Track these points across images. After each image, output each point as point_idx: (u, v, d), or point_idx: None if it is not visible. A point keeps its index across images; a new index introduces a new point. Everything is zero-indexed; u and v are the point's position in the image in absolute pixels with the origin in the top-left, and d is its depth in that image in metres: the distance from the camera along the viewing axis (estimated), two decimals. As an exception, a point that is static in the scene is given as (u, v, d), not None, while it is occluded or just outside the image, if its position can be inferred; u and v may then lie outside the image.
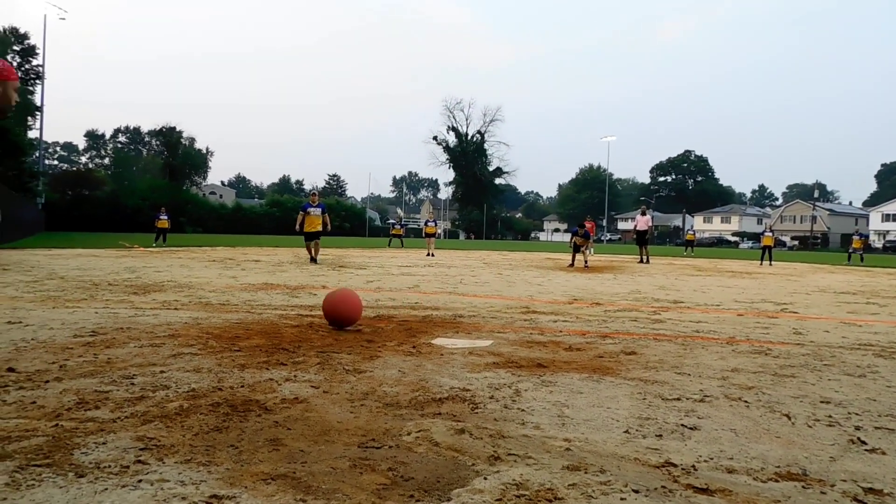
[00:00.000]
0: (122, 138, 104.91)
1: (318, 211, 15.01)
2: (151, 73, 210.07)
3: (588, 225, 23.09)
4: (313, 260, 14.63)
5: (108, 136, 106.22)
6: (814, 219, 77.74)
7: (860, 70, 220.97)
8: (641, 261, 19.87)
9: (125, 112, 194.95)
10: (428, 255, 21.26)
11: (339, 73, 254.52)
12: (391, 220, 25.14)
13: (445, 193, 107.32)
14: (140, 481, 1.98)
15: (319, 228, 14.95)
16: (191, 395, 2.98)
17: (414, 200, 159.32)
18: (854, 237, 29.31)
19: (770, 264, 21.86)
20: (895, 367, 4.15)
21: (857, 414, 3.01)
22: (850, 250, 27.81)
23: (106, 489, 1.92)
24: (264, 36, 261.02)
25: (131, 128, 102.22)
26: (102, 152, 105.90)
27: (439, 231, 25.18)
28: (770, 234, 24.02)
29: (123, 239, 28.68)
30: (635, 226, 20.82)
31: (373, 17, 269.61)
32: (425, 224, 24.53)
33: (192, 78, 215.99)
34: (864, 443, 2.58)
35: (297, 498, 1.89)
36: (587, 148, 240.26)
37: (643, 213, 20.35)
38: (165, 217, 24.03)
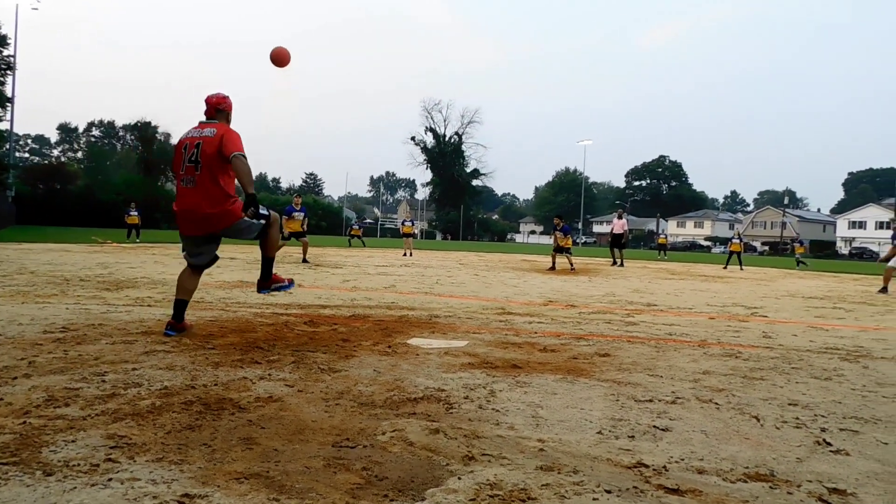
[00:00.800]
0: (95, 132, 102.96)
1: (301, 215, 15.13)
2: (127, 65, 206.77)
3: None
4: (305, 261, 14.67)
5: (81, 130, 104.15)
6: (783, 225, 79.14)
7: (829, 82, 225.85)
8: (615, 264, 20.04)
9: (99, 106, 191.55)
10: (405, 254, 21.22)
11: (316, 69, 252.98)
12: (353, 221, 25.14)
13: (423, 194, 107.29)
14: (110, 480, 1.95)
15: (300, 230, 15.06)
16: (163, 392, 2.95)
17: (391, 200, 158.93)
18: (796, 244, 30.28)
19: (741, 269, 22.29)
20: (860, 371, 4.25)
21: (823, 416, 3.08)
22: (797, 256, 28.55)
23: (75, 488, 1.89)
24: (242, 28, 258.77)
25: (105, 122, 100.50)
26: (76, 146, 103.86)
27: (416, 231, 25.10)
28: (738, 240, 24.48)
29: (97, 234, 28.18)
30: (612, 229, 21.03)
31: (352, 14, 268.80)
32: (402, 224, 24.45)
33: (168, 71, 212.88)
34: (829, 444, 2.64)
35: (271, 497, 1.89)
36: (564, 151, 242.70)
37: (619, 217, 20.57)
38: (135, 213, 23.55)
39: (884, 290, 12.66)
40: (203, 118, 4.54)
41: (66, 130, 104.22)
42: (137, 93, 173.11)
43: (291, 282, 5.04)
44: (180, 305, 4.50)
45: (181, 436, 2.38)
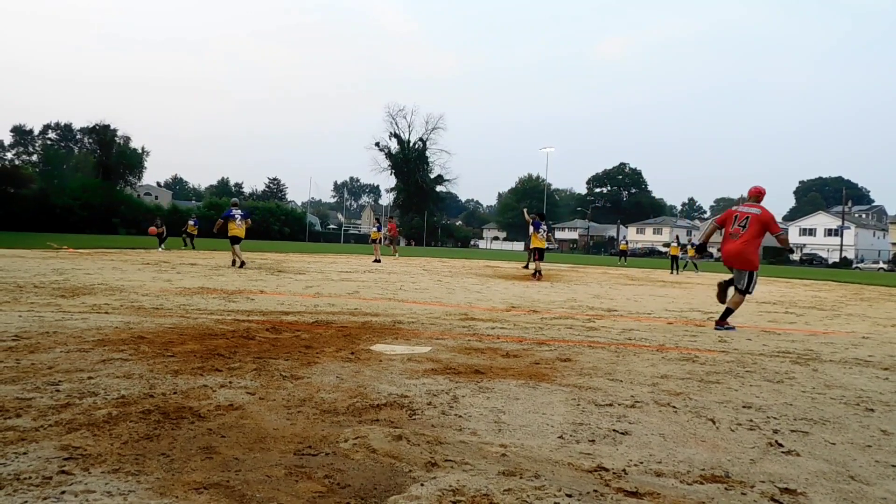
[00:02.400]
0: (52, 135, 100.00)
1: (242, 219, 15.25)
2: (83, 65, 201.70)
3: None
4: (240, 263, 14.22)
5: (36, 133, 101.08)
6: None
7: (782, 92, 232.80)
8: (526, 266, 20.42)
9: (55, 108, 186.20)
10: (374, 260, 21.07)
11: (278, 70, 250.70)
12: (192, 220, 24.60)
13: (387, 199, 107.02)
14: (63, 493, 1.91)
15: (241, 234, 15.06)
16: (120, 401, 2.88)
17: (355, 206, 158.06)
18: (689, 246, 31.31)
19: (676, 273, 23.70)
20: (809, 373, 4.39)
21: (775, 418, 3.18)
22: (688, 258, 29.80)
23: (25, 502, 1.84)
24: (201, 24, 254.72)
25: (62, 124, 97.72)
26: (30, 149, 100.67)
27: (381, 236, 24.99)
28: (675, 244, 26.41)
29: (52, 239, 27.35)
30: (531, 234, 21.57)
31: (316, 15, 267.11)
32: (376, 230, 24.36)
33: (126, 69, 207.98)
34: (781, 445, 2.73)
35: (231, 507, 1.86)
36: (527, 158, 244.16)
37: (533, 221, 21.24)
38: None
39: None
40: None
41: (20, 133, 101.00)
42: (94, 91, 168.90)
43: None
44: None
45: (138, 446, 2.33)
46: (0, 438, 2.33)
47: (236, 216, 14.92)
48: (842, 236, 69.24)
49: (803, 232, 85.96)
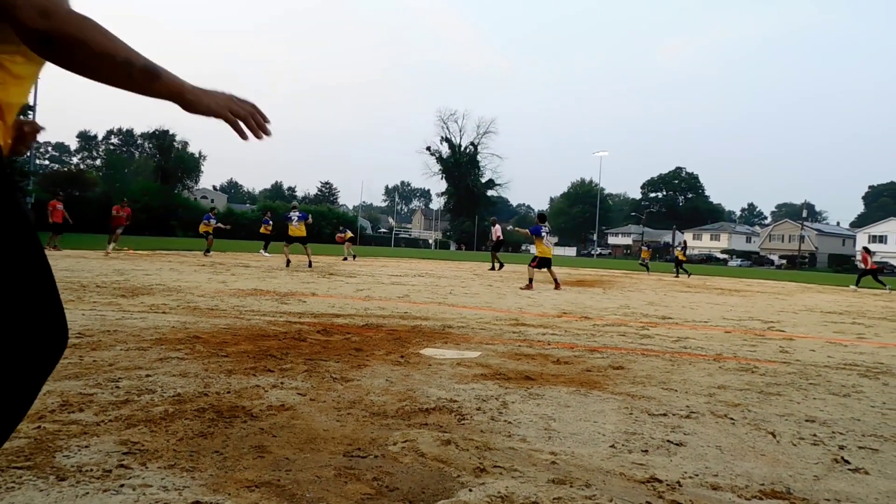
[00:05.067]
0: (114, 140, 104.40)
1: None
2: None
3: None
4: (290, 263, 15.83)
5: (100, 138, 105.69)
6: (802, 238, 78.36)
7: (849, 94, 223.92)
8: (493, 268, 20.45)
9: (118, 114, 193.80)
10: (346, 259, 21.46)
11: (325, 74, 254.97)
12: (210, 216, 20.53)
13: (437, 204, 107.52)
14: (122, 486, 1.96)
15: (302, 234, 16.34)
16: (176, 399, 2.96)
17: (406, 210, 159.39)
18: (643, 248, 30.94)
19: (677, 276, 24.22)
20: (879, 388, 4.18)
21: (841, 433, 3.03)
22: (641, 260, 29.86)
23: (87, 493, 1.90)
24: (254, 40, 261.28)
25: (124, 130, 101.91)
26: (94, 153, 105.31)
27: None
28: (680, 248, 27.28)
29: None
30: (491, 236, 22.12)
31: (370, 17, 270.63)
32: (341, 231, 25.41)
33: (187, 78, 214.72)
34: (847, 462, 2.59)
35: (281, 506, 1.88)
36: (580, 162, 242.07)
37: (493, 225, 21.54)
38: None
39: None
40: None
41: (85, 138, 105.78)
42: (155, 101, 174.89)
43: None
44: None
45: (193, 443, 2.38)
46: (64, 432, 2.42)
47: (293, 218, 16.22)
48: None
49: (872, 239, 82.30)
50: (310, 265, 15.55)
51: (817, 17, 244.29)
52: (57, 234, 19.03)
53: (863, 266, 22.65)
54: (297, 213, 16.33)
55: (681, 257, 25.98)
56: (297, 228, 16.09)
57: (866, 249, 22.41)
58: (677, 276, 24.54)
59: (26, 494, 1.86)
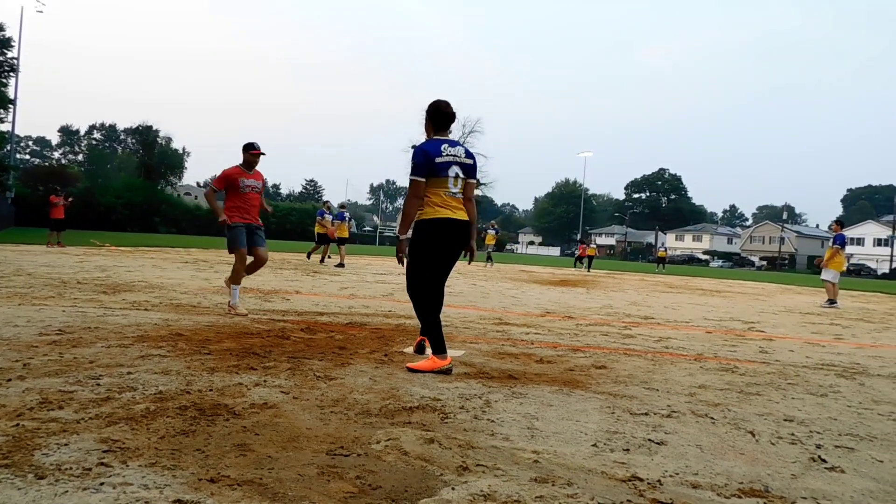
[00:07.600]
0: (97, 135, 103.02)
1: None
2: (128, 69, 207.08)
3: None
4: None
5: (82, 133, 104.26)
6: (782, 240, 79.28)
7: (829, 98, 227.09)
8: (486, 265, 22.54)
9: (100, 108, 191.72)
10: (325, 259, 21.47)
11: (311, 67, 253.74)
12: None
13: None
14: (102, 484, 1.95)
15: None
16: (158, 397, 2.94)
17: (391, 208, 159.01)
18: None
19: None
20: (856, 388, 4.25)
21: (818, 432, 3.07)
22: (656, 260, 31.55)
23: (66, 492, 1.88)
24: (231, 36, 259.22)
25: (107, 125, 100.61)
26: (76, 148, 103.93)
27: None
28: (662, 248, 31.94)
29: (95, 237, 28.15)
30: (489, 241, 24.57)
31: (353, 16, 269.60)
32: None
33: (171, 76, 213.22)
34: (824, 461, 2.64)
35: (264, 504, 1.88)
36: (564, 163, 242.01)
37: (491, 229, 24.02)
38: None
39: (831, 302, 12.92)
40: None
41: (67, 133, 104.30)
42: (139, 96, 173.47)
43: None
44: None
45: (175, 441, 2.37)
46: (44, 430, 2.39)
47: (346, 217, 17.31)
48: (892, 246, 67.06)
49: (850, 241, 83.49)
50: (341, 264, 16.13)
51: (799, 21, 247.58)
52: (59, 230, 18.80)
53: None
54: (346, 213, 17.17)
55: (661, 255, 28.20)
56: (345, 228, 17.01)
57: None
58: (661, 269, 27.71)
59: (4, 493, 1.84)
